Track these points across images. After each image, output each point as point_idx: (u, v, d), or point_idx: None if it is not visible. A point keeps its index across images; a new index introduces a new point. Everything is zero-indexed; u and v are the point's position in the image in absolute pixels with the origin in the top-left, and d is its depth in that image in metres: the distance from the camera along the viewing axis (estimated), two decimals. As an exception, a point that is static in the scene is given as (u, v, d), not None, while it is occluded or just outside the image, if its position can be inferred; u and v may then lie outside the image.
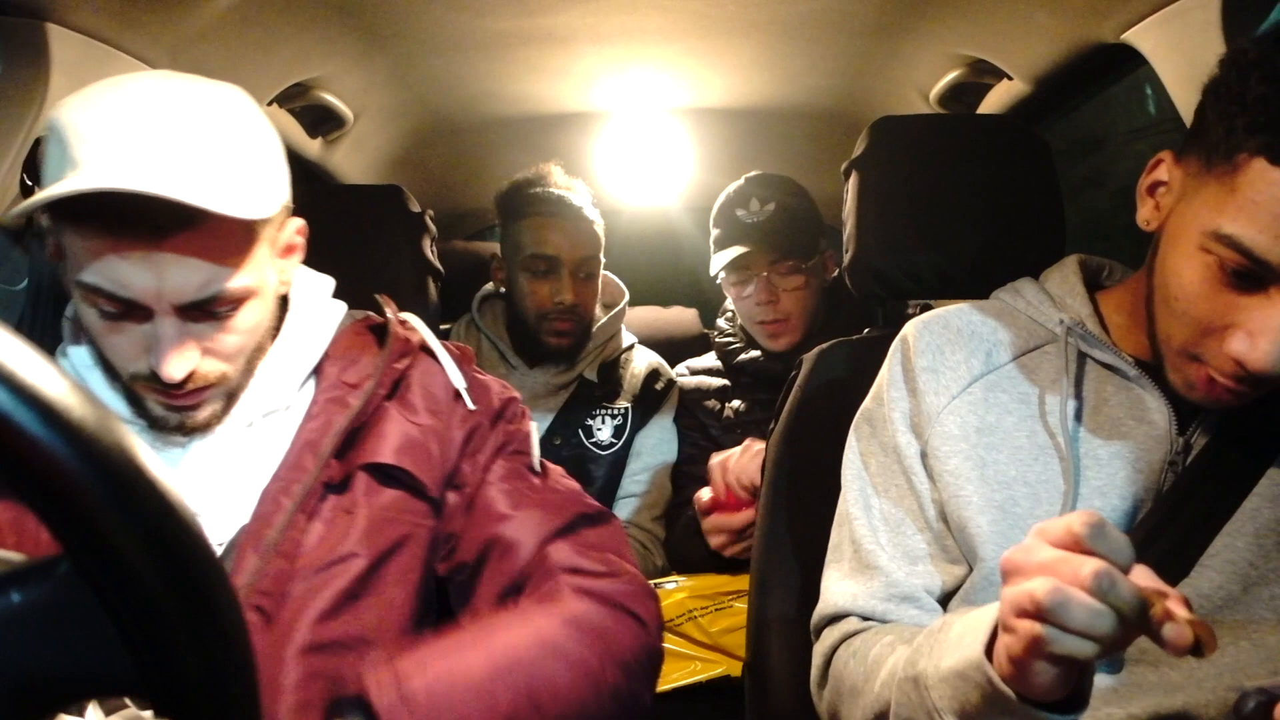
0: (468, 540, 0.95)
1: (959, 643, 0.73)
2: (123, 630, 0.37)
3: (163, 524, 0.37)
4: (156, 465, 0.37)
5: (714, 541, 1.51)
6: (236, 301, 0.85)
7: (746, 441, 1.51)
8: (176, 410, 0.87)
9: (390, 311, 1.03)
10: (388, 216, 1.51)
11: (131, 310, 0.81)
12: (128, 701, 0.69)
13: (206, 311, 0.83)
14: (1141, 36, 1.17)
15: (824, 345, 1.22)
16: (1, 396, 0.33)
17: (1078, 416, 0.87)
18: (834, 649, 0.92)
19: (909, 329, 0.97)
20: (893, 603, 0.90)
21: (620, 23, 1.47)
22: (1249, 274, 0.72)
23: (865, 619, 0.92)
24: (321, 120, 1.73)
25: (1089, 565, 0.59)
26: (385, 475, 0.93)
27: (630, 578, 0.95)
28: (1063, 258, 1.00)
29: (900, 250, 1.18)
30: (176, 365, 0.82)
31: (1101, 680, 0.81)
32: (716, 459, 1.53)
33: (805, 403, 1.19)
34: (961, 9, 1.38)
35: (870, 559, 0.92)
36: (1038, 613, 0.60)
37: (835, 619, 0.94)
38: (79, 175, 0.76)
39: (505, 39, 1.52)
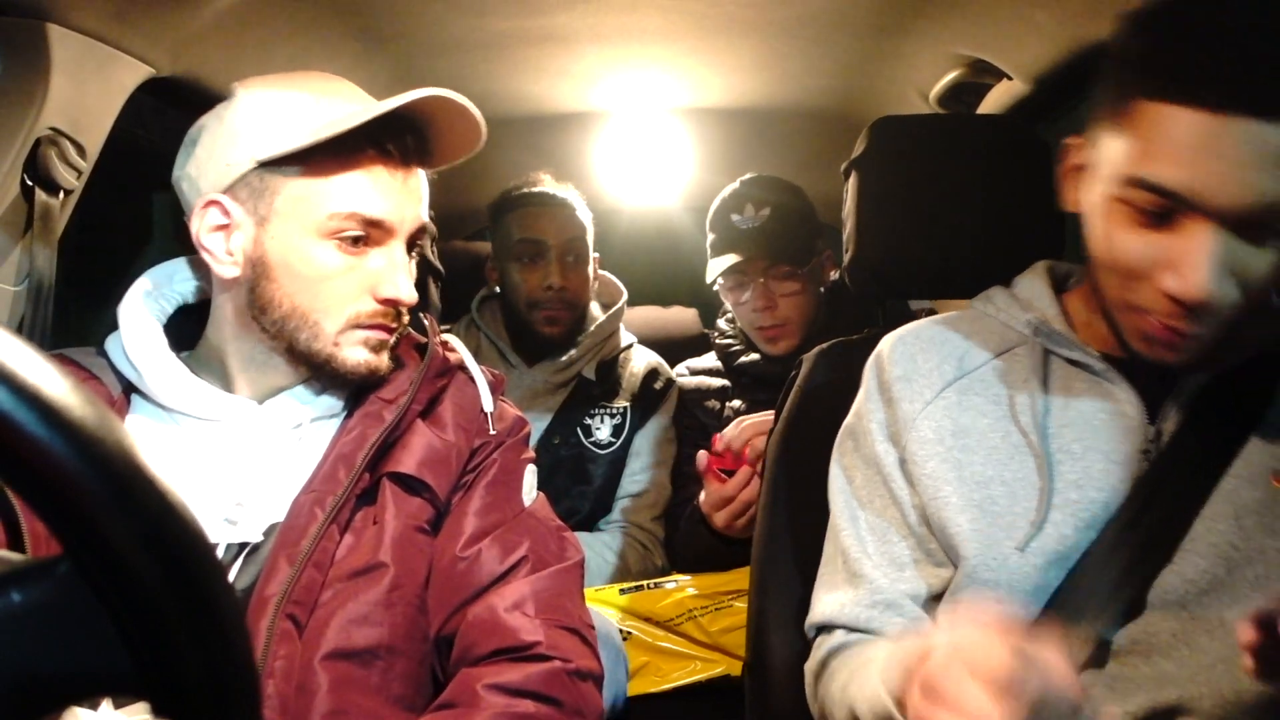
0: (435, 554, 0.97)
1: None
2: (123, 630, 0.37)
3: (163, 524, 0.37)
4: (157, 465, 0.38)
5: (717, 519, 1.47)
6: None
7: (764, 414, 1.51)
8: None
9: (431, 330, 1.07)
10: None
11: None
12: None
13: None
14: (1141, 36, 1.17)
15: (823, 345, 1.22)
16: (2, 396, 0.33)
17: (1049, 413, 0.89)
18: (823, 664, 0.93)
19: (884, 343, 0.99)
20: (876, 610, 0.91)
21: (620, 23, 1.47)
22: (1164, 212, 0.76)
23: (851, 630, 0.93)
24: (321, 120, 1.73)
25: None
26: (408, 486, 0.95)
27: (561, 654, 0.92)
28: (1061, 257, 1.01)
29: (900, 250, 1.18)
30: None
31: (1094, 676, 0.82)
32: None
33: (805, 403, 1.19)
34: (961, 9, 1.38)
35: (856, 568, 0.93)
36: None
37: (824, 629, 0.96)
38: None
39: (505, 39, 1.52)
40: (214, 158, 0.92)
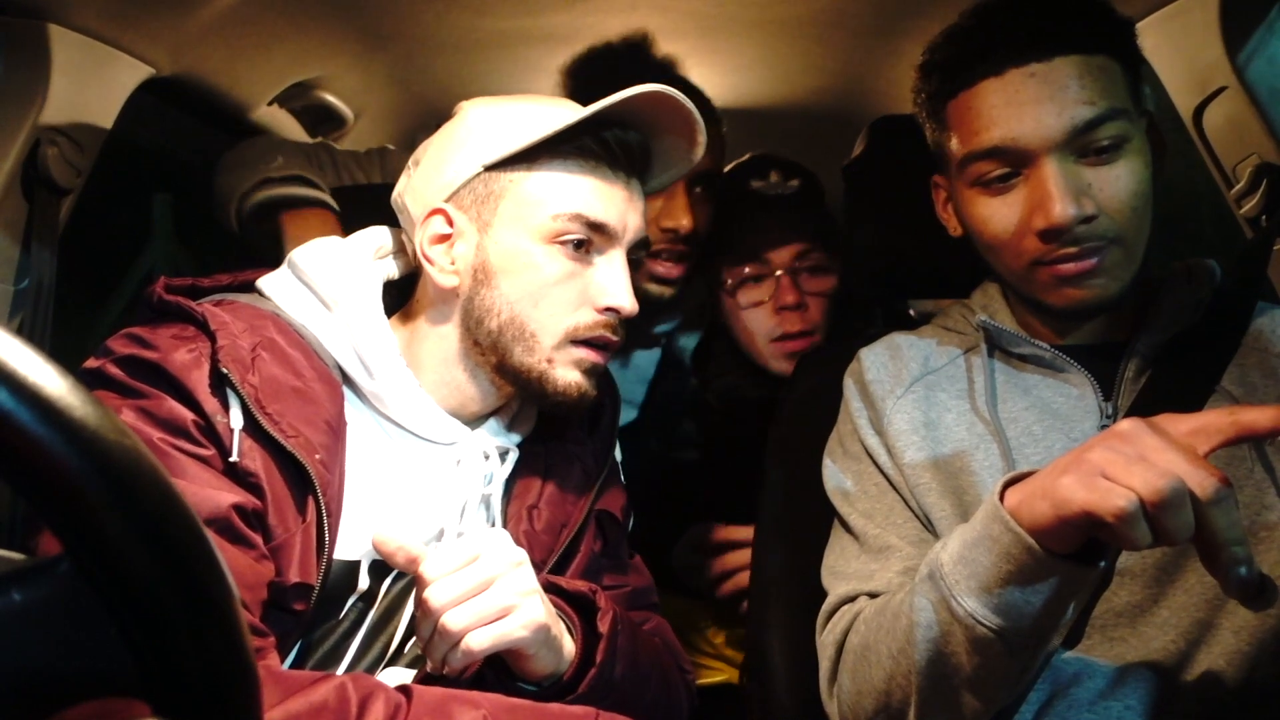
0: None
1: (971, 523, 0.76)
2: (123, 629, 0.37)
3: (163, 523, 0.37)
4: (157, 465, 0.38)
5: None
6: None
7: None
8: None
9: None
10: (388, 216, 1.51)
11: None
12: None
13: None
14: (1141, 36, 1.17)
15: (818, 347, 1.22)
16: (2, 396, 0.33)
17: (1009, 402, 0.94)
18: (846, 632, 0.92)
19: (860, 355, 1.06)
20: (909, 576, 0.90)
21: (620, 23, 1.47)
22: (1005, 174, 0.87)
23: (875, 596, 0.92)
24: (321, 120, 1.73)
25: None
26: (602, 523, 1.02)
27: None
28: None
29: (900, 250, 1.18)
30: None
31: (1087, 655, 0.84)
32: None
33: (800, 407, 1.19)
34: (961, 8, 1.38)
35: (881, 542, 0.94)
36: (1166, 501, 0.61)
37: (848, 600, 0.94)
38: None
39: (505, 39, 1.52)
40: (440, 168, 0.92)
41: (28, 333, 1.13)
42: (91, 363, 0.80)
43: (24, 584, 0.37)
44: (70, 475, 0.34)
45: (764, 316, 1.39)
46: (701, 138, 0.93)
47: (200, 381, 0.78)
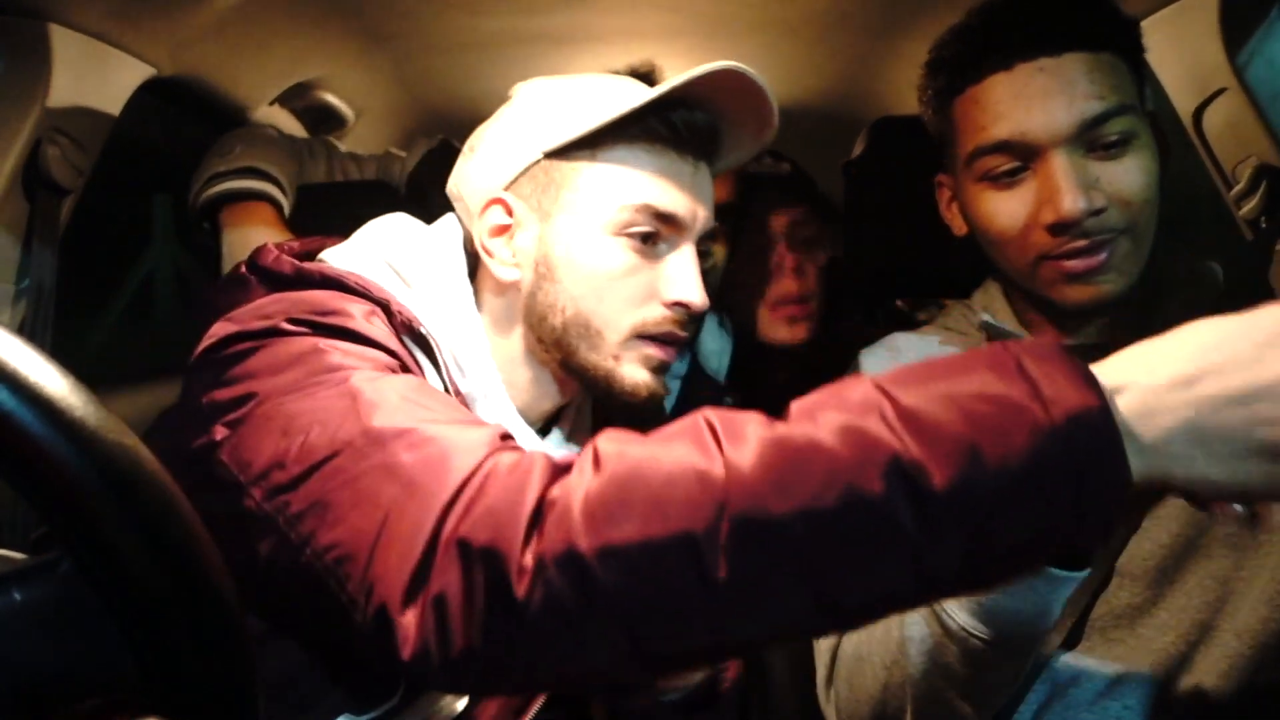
0: None
1: None
2: (124, 629, 0.37)
3: (163, 523, 0.37)
4: (157, 465, 0.38)
5: None
6: None
7: None
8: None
9: None
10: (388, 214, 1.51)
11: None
12: None
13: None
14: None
15: (819, 347, 1.22)
16: (3, 396, 0.33)
17: None
18: (840, 639, 0.92)
19: (860, 356, 1.05)
20: None
21: (620, 23, 1.47)
22: (1013, 168, 0.87)
23: None
24: (321, 120, 1.73)
25: None
26: None
27: None
28: None
29: (899, 250, 1.18)
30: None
31: (1086, 656, 0.85)
32: None
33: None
34: (961, 8, 1.38)
35: None
36: None
37: None
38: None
39: (505, 39, 1.52)
40: (497, 155, 0.87)
41: (28, 333, 1.13)
42: (253, 323, 0.71)
43: (24, 584, 0.37)
44: (70, 475, 0.35)
45: (763, 282, 1.44)
46: (774, 118, 0.87)
47: (392, 339, 0.75)
